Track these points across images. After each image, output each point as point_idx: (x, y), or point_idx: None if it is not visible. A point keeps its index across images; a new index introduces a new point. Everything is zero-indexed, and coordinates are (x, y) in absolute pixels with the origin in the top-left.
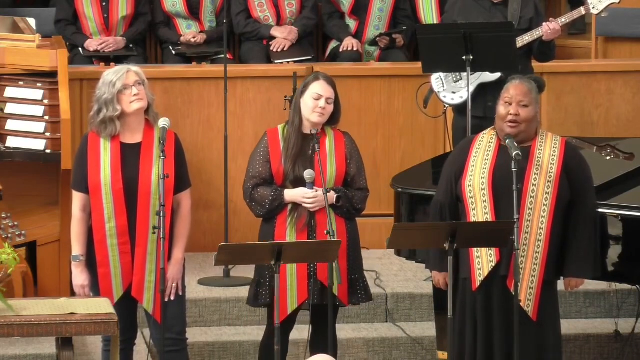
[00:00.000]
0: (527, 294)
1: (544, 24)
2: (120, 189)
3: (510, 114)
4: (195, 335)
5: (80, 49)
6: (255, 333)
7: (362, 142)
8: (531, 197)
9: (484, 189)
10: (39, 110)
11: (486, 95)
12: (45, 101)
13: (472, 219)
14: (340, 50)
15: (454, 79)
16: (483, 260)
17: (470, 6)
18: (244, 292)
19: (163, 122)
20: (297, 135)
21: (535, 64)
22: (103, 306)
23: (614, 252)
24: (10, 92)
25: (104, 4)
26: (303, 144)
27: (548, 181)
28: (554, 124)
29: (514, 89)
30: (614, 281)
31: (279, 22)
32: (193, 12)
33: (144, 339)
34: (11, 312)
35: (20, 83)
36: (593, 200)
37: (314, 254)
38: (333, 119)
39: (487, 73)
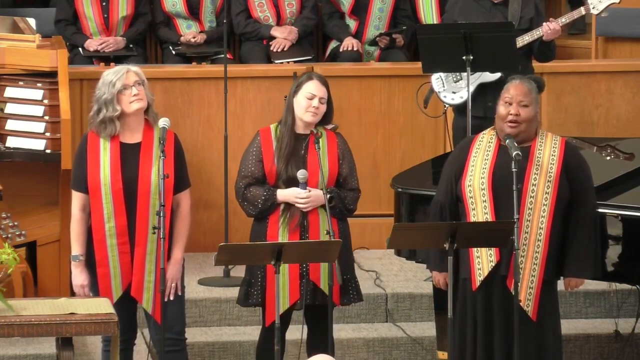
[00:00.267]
0: (527, 293)
1: (543, 24)
2: (119, 189)
3: (511, 114)
4: (195, 335)
5: (80, 49)
6: (255, 333)
7: (362, 142)
8: (531, 197)
9: (484, 189)
10: (39, 110)
11: (486, 95)
12: (45, 101)
13: (472, 219)
14: (340, 50)
15: (454, 79)
16: (483, 260)
17: (471, 6)
18: None
19: (163, 122)
20: (290, 135)
21: (535, 64)
22: (103, 306)
23: (614, 252)
24: (10, 92)
25: (104, 4)
26: (296, 144)
27: (548, 181)
28: (554, 124)
29: (514, 89)
30: (614, 281)
31: (279, 22)
32: (193, 12)
33: (144, 339)
34: (11, 312)
35: (20, 83)
36: (593, 200)
37: (314, 254)
38: (325, 119)
39: (487, 73)
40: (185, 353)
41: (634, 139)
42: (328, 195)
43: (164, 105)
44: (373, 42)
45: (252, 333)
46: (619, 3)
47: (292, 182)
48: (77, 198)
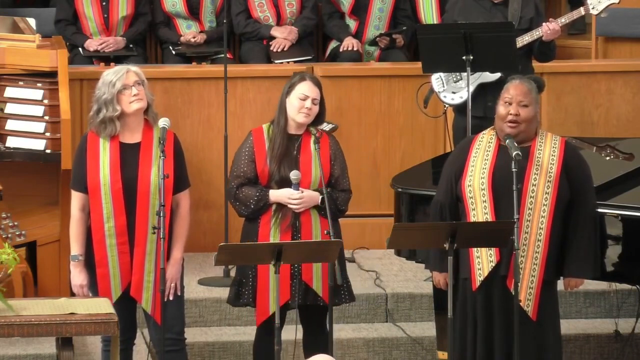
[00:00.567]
0: (527, 293)
1: (543, 24)
2: (119, 189)
3: (510, 114)
4: (195, 335)
5: (80, 49)
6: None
7: (362, 142)
8: (531, 197)
9: (484, 189)
10: (39, 110)
11: (486, 95)
12: (45, 101)
13: (472, 219)
14: (340, 50)
15: (454, 79)
16: (483, 260)
17: (471, 6)
18: None
19: (163, 122)
20: (283, 135)
21: (535, 64)
22: (103, 306)
23: (614, 252)
24: (10, 92)
25: (104, 4)
26: (288, 145)
27: (548, 181)
28: (554, 124)
29: (514, 89)
30: (613, 281)
31: (279, 22)
32: (193, 12)
33: (144, 339)
34: (11, 312)
35: (20, 83)
36: (593, 200)
37: (314, 254)
38: (318, 120)
39: (487, 73)
40: (185, 353)
41: (634, 139)
42: (320, 196)
43: (164, 105)
44: (373, 42)
45: (251, 333)
46: (618, 3)
47: (284, 182)
48: (76, 198)
